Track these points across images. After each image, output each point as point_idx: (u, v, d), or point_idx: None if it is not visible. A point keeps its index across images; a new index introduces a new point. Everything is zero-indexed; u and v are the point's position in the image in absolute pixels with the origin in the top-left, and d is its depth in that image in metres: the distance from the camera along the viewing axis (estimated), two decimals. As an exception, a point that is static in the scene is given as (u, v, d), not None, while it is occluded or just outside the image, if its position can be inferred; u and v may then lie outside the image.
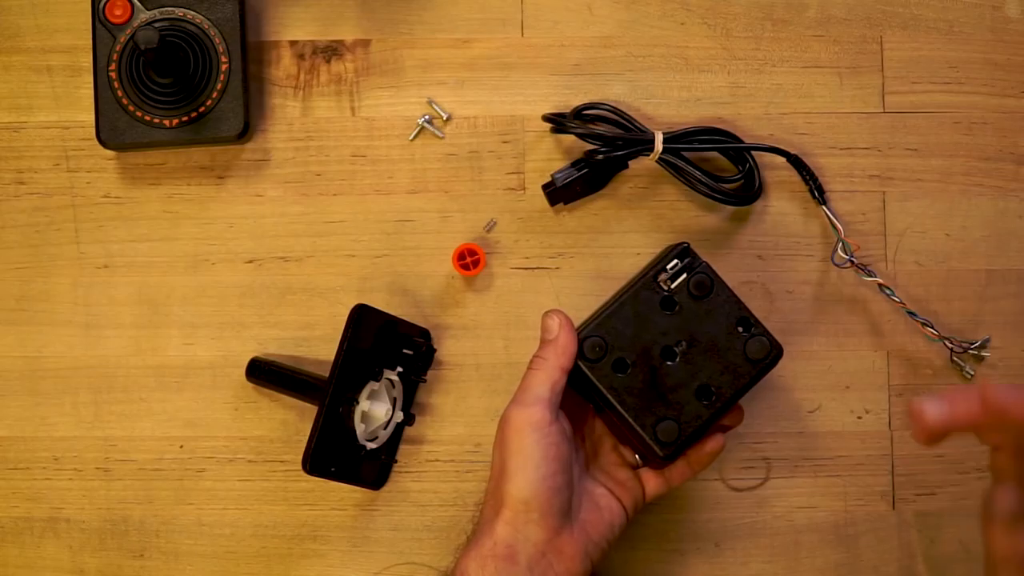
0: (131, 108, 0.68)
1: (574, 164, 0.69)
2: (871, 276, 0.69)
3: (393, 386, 0.68)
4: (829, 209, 0.70)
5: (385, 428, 0.67)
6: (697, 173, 0.68)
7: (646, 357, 0.61)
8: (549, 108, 0.71)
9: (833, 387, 0.70)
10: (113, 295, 0.70)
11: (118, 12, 0.68)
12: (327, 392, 0.63)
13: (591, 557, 0.60)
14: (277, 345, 0.70)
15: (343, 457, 0.65)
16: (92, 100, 0.68)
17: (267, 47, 0.71)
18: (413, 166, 0.71)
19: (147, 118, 0.68)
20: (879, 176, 0.71)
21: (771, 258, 0.71)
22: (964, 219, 0.71)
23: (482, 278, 0.70)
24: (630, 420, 0.60)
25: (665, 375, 0.61)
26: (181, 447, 0.70)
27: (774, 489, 0.70)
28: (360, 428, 0.65)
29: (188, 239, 0.70)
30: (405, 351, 0.68)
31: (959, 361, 0.70)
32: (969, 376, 0.70)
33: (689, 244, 0.62)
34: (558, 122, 0.69)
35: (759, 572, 0.70)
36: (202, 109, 0.68)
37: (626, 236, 0.71)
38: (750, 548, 0.70)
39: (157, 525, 0.69)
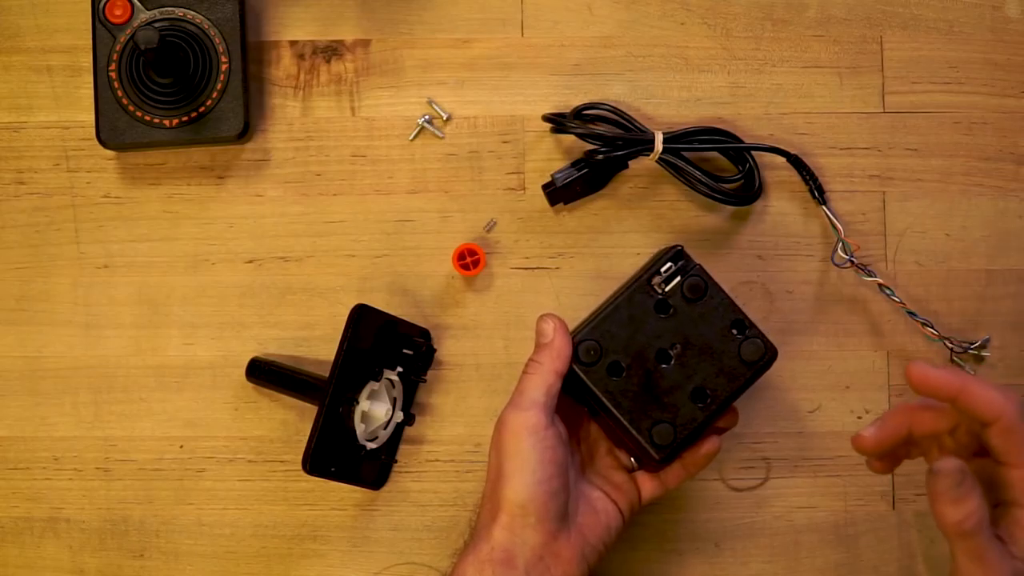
0: (131, 108, 0.68)
1: (574, 164, 0.69)
2: (871, 276, 0.69)
3: (393, 386, 0.68)
4: (829, 209, 0.70)
5: (385, 428, 0.67)
6: (697, 173, 0.68)
7: (641, 360, 0.61)
8: (549, 108, 0.71)
9: (833, 387, 0.70)
10: (113, 295, 0.70)
11: (118, 12, 0.68)
12: (327, 392, 0.63)
13: (588, 560, 0.60)
14: (277, 345, 0.70)
15: (343, 457, 0.65)
16: (92, 100, 0.68)
17: (267, 47, 0.71)
18: (413, 166, 0.71)
19: (147, 118, 0.68)
20: (879, 176, 0.71)
21: (771, 258, 0.71)
22: (964, 219, 0.71)
23: (482, 278, 0.70)
24: (625, 423, 0.60)
25: (660, 378, 0.61)
26: (181, 447, 0.70)
27: (774, 489, 0.70)
28: (360, 428, 0.65)
29: (188, 239, 0.70)
30: (405, 351, 0.68)
31: (959, 361, 0.70)
32: (969, 376, 0.70)
33: (683, 247, 0.62)
34: (558, 122, 0.69)
35: (759, 572, 0.70)
36: (202, 109, 0.68)
37: (626, 236, 0.71)
38: (750, 548, 0.70)
39: (157, 525, 0.69)
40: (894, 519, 0.70)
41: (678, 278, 0.61)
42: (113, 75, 0.68)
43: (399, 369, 0.67)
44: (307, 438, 0.62)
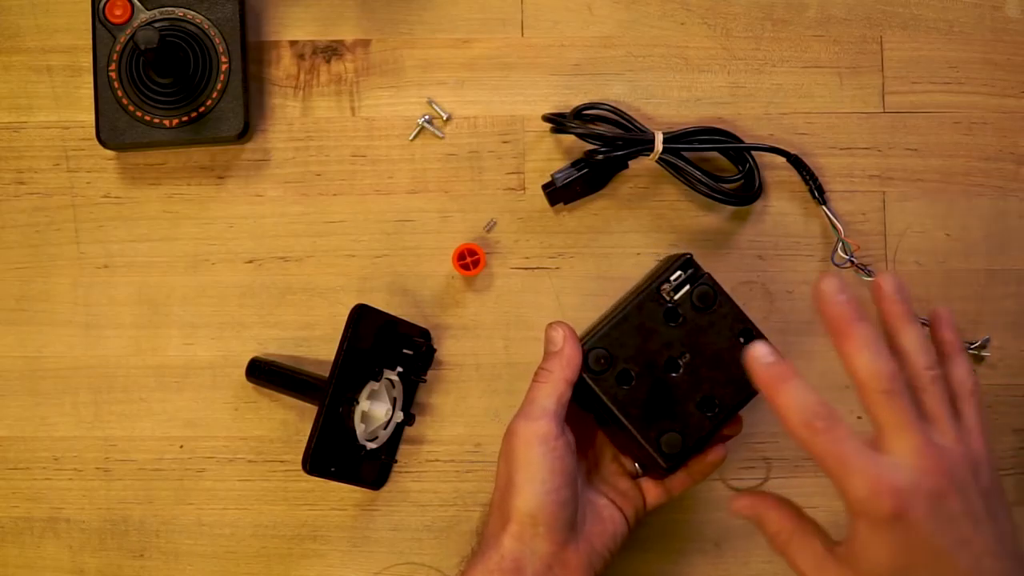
0: (131, 108, 0.68)
1: (574, 164, 0.69)
2: (871, 276, 0.69)
3: (393, 386, 0.68)
4: (829, 209, 0.70)
5: (385, 428, 0.67)
6: (697, 173, 0.68)
7: (650, 369, 0.61)
8: (549, 108, 0.71)
9: (833, 387, 0.70)
10: (113, 295, 0.70)
11: (118, 12, 0.68)
12: (327, 392, 0.63)
13: (595, 568, 0.60)
14: (277, 345, 0.70)
15: (343, 457, 0.65)
16: (92, 100, 0.68)
17: (267, 47, 0.71)
18: (413, 166, 0.71)
19: (147, 118, 0.68)
20: (879, 176, 0.71)
21: (771, 258, 0.71)
22: (964, 219, 0.71)
23: (482, 278, 0.70)
24: (634, 432, 0.60)
25: (669, 387, 0.61)
26: (181, 447, 0.70)
27: (774, 489, 0.70)
28: (360, 428, 0.65)
29: (188, 239, 0.70)
30: (405, 351, 0.68)
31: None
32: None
33: (692, 255, 0.62)
34: (558, 122, 0.69)
35: (759, 572, 0.70)
36: (202, 109, 0.68)
37: (626, 236, 0.71)
38: (750, 548, 0.70)
39: (157, 525, 0.69)
40: (894, 519, 0.70)
41: (687, 287, 0.61)
42: (113, 75, 0.68)
43: (399, 369, 0.67)
44: (307, 438, 0.62)
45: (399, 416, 0.67)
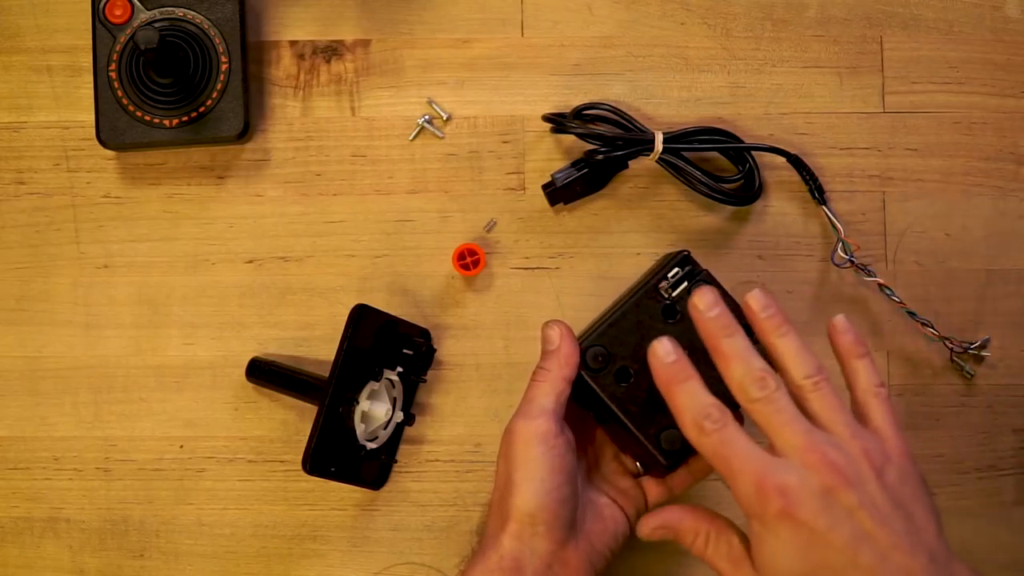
0: (131, 108, 0.68)
1: (574, 164, 0.69)
2: (871, 276, 0.69)
3: (393, 386, 0.68)
4: (829, 209, 0.70)
5: (385, 428, 0.67)
6: (697, 173, 0.68)
7: (648, 365, 0.61)
8: (549, 108, 0.71)
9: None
10: (113, 295, 0.70)
11: (118, 12, 0.68)
12: (327, 392, 0.63)
13: (595, 567, 0.60)
14: (277, 345, 0.70)
15: (343, 457, 0.65)
16: (92, 100, 0.68)
17: (267, 47, 0.71)
18: (413, 166, 0.71)
19: (147, 118, 0.68)
20: (879, 176, 0.71)
21: (771, 258, 0.71)
22: (964, 219, 0.71)
23: (482, 278, 0.70)
24: (633, 430, 0.60)
25: None
26: (181, 447, 0.70)
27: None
28: (360, 428, 0.65)
29: (188, 239, 0.70)
30: (405, 351, 0.68)
31: (959, 361, 0.70)
32: (969, 376, 0.70)
33: (689, 252, 0.62)
34: (558, 122, 0.69)
35: (759, 572, 0.69)
36: (202, 109, 0.68)
37: (626, 236, 0.71)
38: (750, 548, 0.70)
39: (157, 525, 0.69)
40: (894, 519, 0.70)
41: (685, 283, 0.61)
42: (113, 75, 0.68)
43: (399, 369, 0.67)
44: (307, 438, 0.62)
45: (399, 416, 0.67)
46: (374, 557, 0.69)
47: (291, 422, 0.70)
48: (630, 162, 0.70)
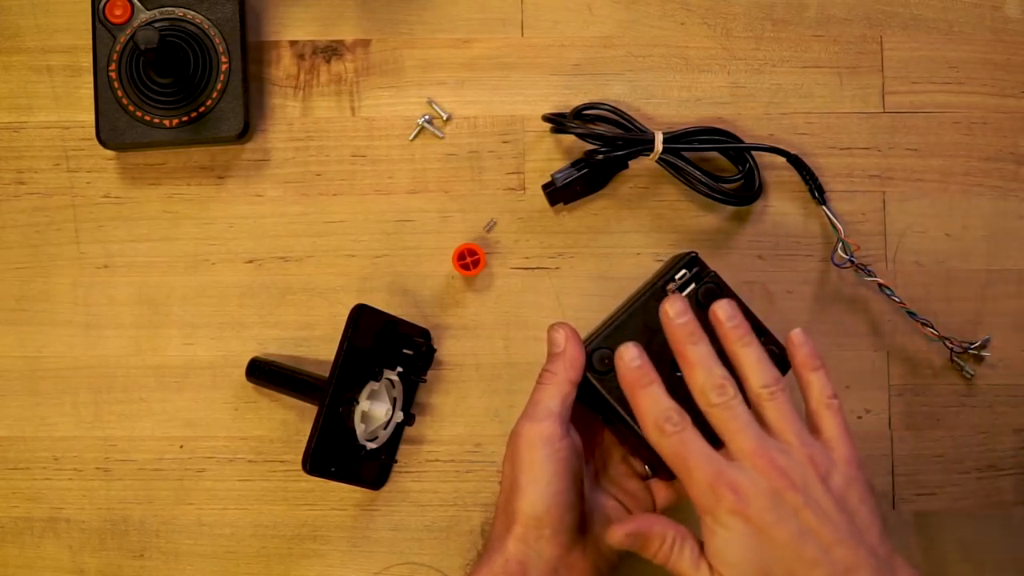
0: (131, 108, 0.68)
1: (574, 164, 0.69)
2: (871, 276, 0.69)
3: (393, 386, 0.68)
4: (829, 209, 0.70)
5: (385, 428, 0.67)
6: (697, 173, 0.68)
7: (656, 368, 0.61)
8: (549, 108, 0.71)
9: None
10: (113, 295, 0.70)
11: (118, 12, 0.68)
12: (327, 392, 0.63)
13: (601, 571, 0.60)
14: (277, 345, 0.70)
15: (343, 457, 0.65)
16: (92, 100, 0.68)
17: (267, 47, 0.71)
18: (413, 166, 0.71)
19: (147, 118, 0.68)
20: (879, 176, 0.71)
21: (771, 258, 0.71)
22: (964, 219, 0.71)
23: (482, 278, 0.70)
24: (640, 432, 0.60)
25: (675, 386, 0.60)
26: (181, 447, 0.70)
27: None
28: (360, 428, 0.65)
29: (188, 239, 0.70)
30: (405, 351, 0.68)
31: (959, 361, 0.70)
32: (969, 376, 0.70)
33: (697, 254, 0.62)
34: (558, 122, 0.69)
35: None
36: (202, 109, 0.68)
37: (626, 236, 0.71)
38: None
39: (157, 525, 0.69)
40: (894, 519, 0.70)
41: (692, 285, 0.61)
42: (113, 75, 0.68)
43: (399, 369, 0.67)
44: (307, 438, 0.62)
45: (399, 416, 0.67)
46: (374, 557, 0.69)
47: (291, 422, 0.70)
48: (630, 162, 0.70)
